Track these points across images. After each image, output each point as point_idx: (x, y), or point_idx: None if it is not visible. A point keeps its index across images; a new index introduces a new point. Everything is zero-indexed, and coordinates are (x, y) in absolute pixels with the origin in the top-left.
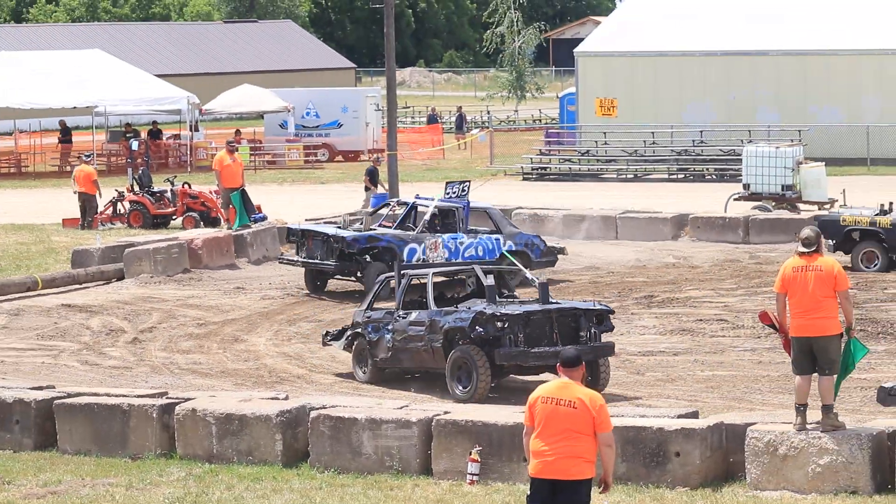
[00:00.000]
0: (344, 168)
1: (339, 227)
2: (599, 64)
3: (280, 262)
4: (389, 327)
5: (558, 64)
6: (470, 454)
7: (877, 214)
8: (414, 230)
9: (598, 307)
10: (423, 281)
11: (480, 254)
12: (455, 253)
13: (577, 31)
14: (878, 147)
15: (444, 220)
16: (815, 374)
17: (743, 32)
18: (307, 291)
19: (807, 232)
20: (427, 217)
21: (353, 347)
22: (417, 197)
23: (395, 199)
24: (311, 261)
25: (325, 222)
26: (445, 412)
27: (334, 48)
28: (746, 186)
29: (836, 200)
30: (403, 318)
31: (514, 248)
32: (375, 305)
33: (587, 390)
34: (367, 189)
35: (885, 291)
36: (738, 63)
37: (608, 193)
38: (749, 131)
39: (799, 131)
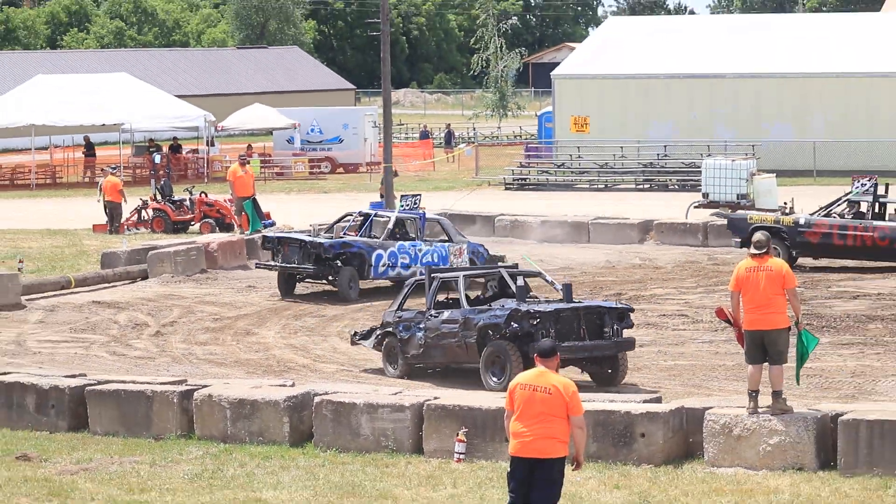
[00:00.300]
0: (344, 179)
1: (310, 235)
2: (574, 86)
3: (257, 267)
4: (421, 326)
5: (537, 85)
6: (457, 435)
7: (781, 214)
8: (379, 238)
9: (620, 306)
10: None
11: (436, 260)
12: (415, 258)
13: (554, 56)
14: (824, 160)
15: (403, 229)
16: (766, 364)
17: (702, 57)
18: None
19: (758, 236)
20: (390, 226)
21: (384, 346)
22: (372, 206)
23: (356, 211)
24: (289, 265)
25: (296, 232)
26: (435, 398)
27: (336, 71)
28: (705, 195)
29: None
30: (435, 316)
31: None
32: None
33: (561, 378)
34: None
35: (830, 289)
36: (698, 85)
37: (581, 201)
38: (708, 146)
39: (752, 146)
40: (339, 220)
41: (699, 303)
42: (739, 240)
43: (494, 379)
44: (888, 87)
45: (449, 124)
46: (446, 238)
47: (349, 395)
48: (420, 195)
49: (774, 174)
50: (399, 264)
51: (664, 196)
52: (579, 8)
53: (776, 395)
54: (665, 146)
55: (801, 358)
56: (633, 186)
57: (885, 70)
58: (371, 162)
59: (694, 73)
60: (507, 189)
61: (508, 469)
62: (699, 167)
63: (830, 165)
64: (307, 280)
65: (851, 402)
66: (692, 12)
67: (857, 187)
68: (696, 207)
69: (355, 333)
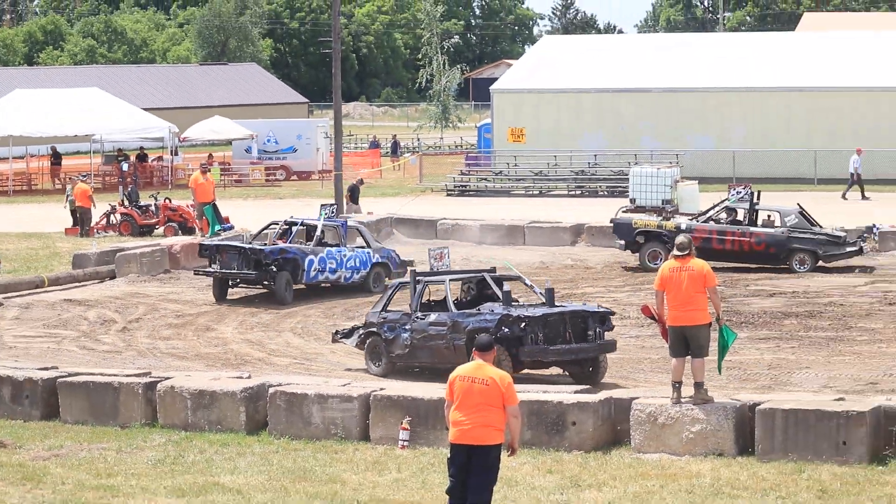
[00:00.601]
0: (298, 186)
1: (244, 242)
2: (511, 99)
3: (196, 274)
4: (407, 327)
5: (477, 99)
6: (401, 423)
7: (662, 219)
8: (309, 244)
9: (602, 310)
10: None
11: (358, 265)
12: (340, 263)
13: (493, 71)
14: (743, 168)
15: (329, 236)
16: (689, 357)
17: (630, 74)
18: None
19: (681, 239)
20: (318, 233)
21: (367, 345)
22: (291, 217)
23: (283, 219)
24: (230, 271)
25: (230, 239)
26: (381, 388)
27: (291, 86)
28: (633, 201)
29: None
30: (422, 319)
31: (380, 260)
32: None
33: (497, 370)
34: (346, 204)
35: (748, 288)
36: (626, 99)
37: (517, 206)
38: (635, 155)
39: (676, 155)
40: (265, 228)
41: (626, 300)
42: (623, 242)
43: None
44: (802, 100)
45: (395, 135)
46: (365, 244)
47: (301, 386)
48: (336, 204)
49: (697, 181)
50: (327, 269)
51: (594, 201)
52: (516, 27)
53: (698, 386)
54: (595, 155)
55: (722, 350)
56: (566, 193)
57: (799, 85)
58: (323, 170)
59: (622, 88)
60: (448, 195)
61: (448, 455)
62: (627, 175)
63: (749, 173)
64: (241, 285)
65: (768, 393)
66: (621, 31)
67: (734, 195)
68: (624, 212)
69: (337, 332)
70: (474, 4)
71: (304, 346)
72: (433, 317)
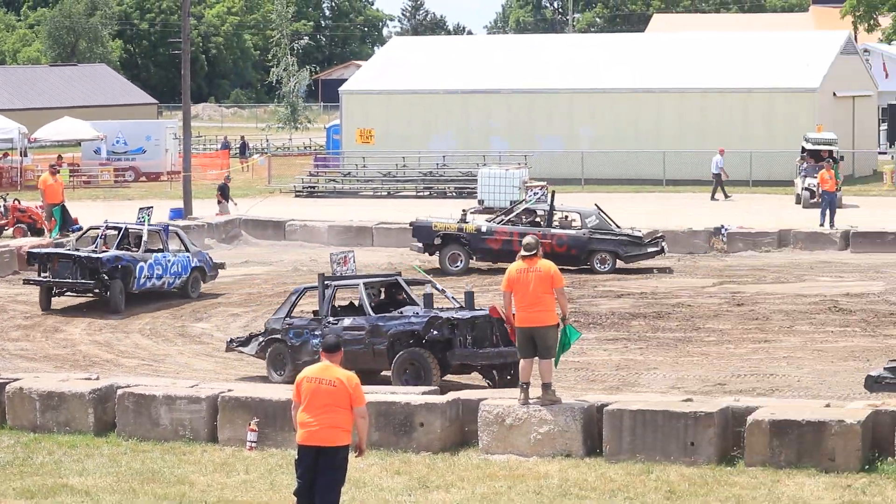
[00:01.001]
0: (147, 187)
1: (72, 249)
2: (360, 100)
3: (25, 284)
4: (317, 332)
5: (326, 100)
6: (249, 425)
7: (461, 221)
8: (137, 250)
9: None
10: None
11: (180, 270)
12: (166, 269)
13: (343, 73)
14: (590, 169)
15: (152, 241)
16: (537, 358)
17: (479, 75)
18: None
19: (528, 240)
20: (145, 239)
21: (268, 353)
22: (106, 222)
23: (104, 224)
24: (63, 280)
25: (58, 246)
26: (229, 390)
27: (140, 87)
28: (481, 202)
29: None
30: (335, 323)
31: (198, 264)
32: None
33: (345, 371)
34: (219, 203)
35: (596, 289)
36: (475, 100)
37: (366, 208)
38: (483, 156)
39: (525, 156)
40: (85, 232)
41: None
42: (421, 245)
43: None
44: (650, 101)
45: (243, 136)
46: (183, 248)
47: (150, 387)
48: (152, 207)
49: (545, 182)
50: (154, 275)
51: (443, 202)
52: (366, 28)
53: (546, 386)
54: (444, 156)
55: (563, 347)
56: (415, 194)
57: (647, 86)
58: (172, 171)
59: (471, 90)
60: (297, 196)
61: (296, 456)
62: (475, 176)
63: (596, 174)
64: (68, 293)
65: (616, 394)
66: (470, 33)
67: (531, 196)
68: (472, 213)
69: (231, 340)
70: (324, 5)
71: (152, 348)
72: (348, 321)
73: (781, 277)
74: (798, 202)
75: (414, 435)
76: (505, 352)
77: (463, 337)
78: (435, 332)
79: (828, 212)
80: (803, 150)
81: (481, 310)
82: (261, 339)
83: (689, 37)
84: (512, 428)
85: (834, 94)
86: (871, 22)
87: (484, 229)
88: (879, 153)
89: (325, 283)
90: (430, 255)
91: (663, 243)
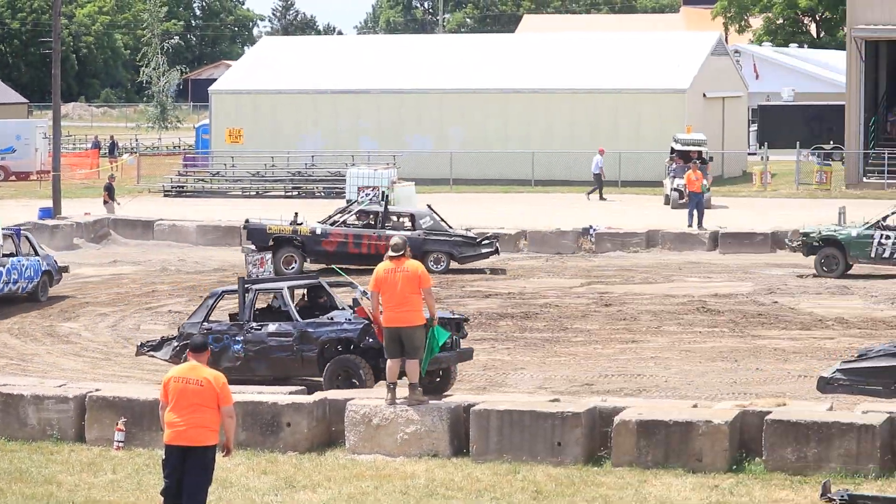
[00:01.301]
0: (17, 186)
1: None
2: (229, 100)
3: None
4: (239, 338)
5: (196, 100)
6: (117, 424)
7: (293, 223)
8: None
9: (457, 316)
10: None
11: (32, 274)
12: (21, 273)
13: (213, 72)
14: (460, 169)
15: (6, 245)
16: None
17: (348, 75)
18: None
19: (395, 240)
20: (1, 243)
21: (182, 358)
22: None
23: None
24: None
25: None
26: (97, 389)
27: (11, 86)
28: (349, 202)
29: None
30: (258, 329)
31: (47, 268)
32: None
33: (212, 371)
34: (105, 203)
35: (464, 289)
36: (344, 100)
37: (235, 208)
38: (353, 156)
39: (394, 156)
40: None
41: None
42: (254, 247)
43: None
44: (520, 101)
45: (112, 136)
46: (33, 252)
47: (17, 387)
48: None
49: (414, 182)
50: (11, 280)
51: (311, 202)
52: (237, 28)
53: (413, 386)
54: (313, 156)
55: (430, 352)
56: (283, 194)
57: (517, 86)
58: (41, 170)
59: (340, 90)
60: (166, 196)
61: (163, 456)
62: (344, 176)
63: (465, 175)
64: None
65: (483, 394)
66: (340, 33)
67: (363, 197)
68: (339, 213)
69: (142, 345)
70: (194, 5)
71: (20, 347)
72: (273, 327)
73: (650, 278)
74: (667, 203)
75: (281, 435)
76: (441, 357)
77: None
78: (370, 340)
79: (695, 212)
80: (672, 150)
81: None
82: (175, 343)
83: (559, 38)
84: (379, 428)
85: (704, 95)
86: (742, 23)
87: (319, 232)
88: (749, 154)
89: (246, 286)
90: None
91: (497, 244)
